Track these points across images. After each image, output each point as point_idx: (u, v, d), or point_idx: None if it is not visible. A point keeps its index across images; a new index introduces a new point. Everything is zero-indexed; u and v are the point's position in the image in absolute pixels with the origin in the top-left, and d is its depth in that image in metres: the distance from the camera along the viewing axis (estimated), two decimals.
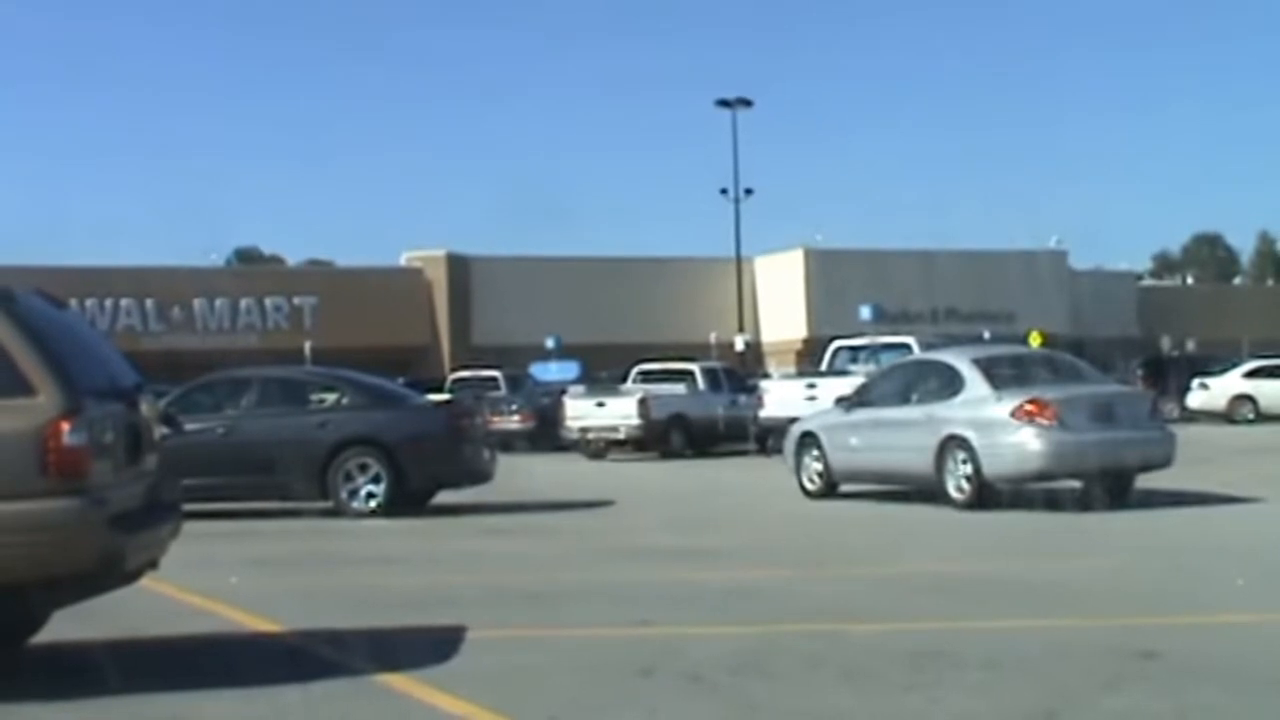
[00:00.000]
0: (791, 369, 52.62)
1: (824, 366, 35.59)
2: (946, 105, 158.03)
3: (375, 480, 19.11)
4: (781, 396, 32.19)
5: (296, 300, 68.94)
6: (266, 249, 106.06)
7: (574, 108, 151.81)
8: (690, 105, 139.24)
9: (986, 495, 17.79)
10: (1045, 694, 7.69)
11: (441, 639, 9.52)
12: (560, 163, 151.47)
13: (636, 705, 7.77)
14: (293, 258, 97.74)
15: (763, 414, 32.62)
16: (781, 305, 73.40)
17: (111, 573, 8.29)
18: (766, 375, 45.25)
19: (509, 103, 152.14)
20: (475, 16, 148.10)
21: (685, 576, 12.97)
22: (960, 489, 18.01)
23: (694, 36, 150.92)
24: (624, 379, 38.87)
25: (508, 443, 32.34)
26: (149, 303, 65.92)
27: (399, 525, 18.22)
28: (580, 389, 38.52)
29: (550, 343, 59.98)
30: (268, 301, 68.76)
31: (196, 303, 67.15)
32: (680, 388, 36.39)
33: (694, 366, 37.82)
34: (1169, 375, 48.77)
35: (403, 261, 73.77)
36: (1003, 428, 17.82)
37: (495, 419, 33.35)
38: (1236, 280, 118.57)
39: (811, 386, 31.23)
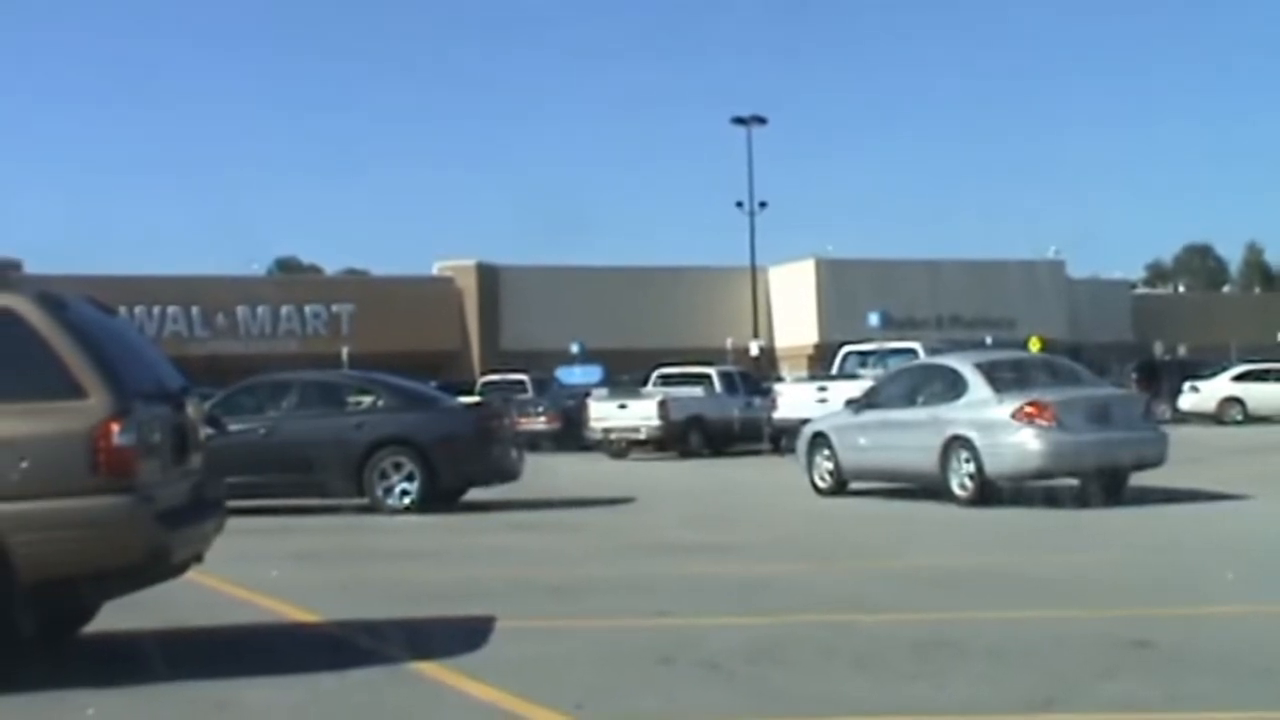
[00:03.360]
0: (803, 373, 52.55)
1: (834, 370, 35.57)
2: (949, 121, 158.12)
3: (409, 478, 19.11)
4: (794, 399, 32.19)
5: (334, 308, 69.05)
6: (305, 259, 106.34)
7: (597, 124, 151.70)
8: (707, 122, 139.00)
9: (988, 493, 17.75)
10: (1045, 682, 7.66)
11: (472, 629, 9.52)
12: (584, 176, 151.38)
13: (657, 692, 7.76)
14: (331, 267, 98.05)
15: (776, 415, 32.60)
16: (794, 312, 73.33)
17: (159, 566, 8.30)
18: (780, 379, 45.15)
19: (535, 120, 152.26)
20: (501, 37, 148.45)
21: (703, 570, 12.94)
22: (964, 486, 17.96)
23: (711, 58, 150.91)
24: (644, 382, 38.84)
25: (534, 443, 32.35)
26: (194, 310, 66.05)
27: (431, 521, 18.20)
28: (603, 392, 38.49)
29: (575, 348, 60.01)
30: (307, 309, 68.89)
31: (239, 310, 67.27)
32: (698, 390, 36.34)
33: (711, 370, 37.77)
34: (1161, 379, 48.58)
35: (434, 271, 73.79)
36: (1004, 428, 17.78)
37: (523, 420, 33.30)
38: (1226, 288, 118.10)
39: (822, 389, 31.21)
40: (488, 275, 72.05)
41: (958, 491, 18.01)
